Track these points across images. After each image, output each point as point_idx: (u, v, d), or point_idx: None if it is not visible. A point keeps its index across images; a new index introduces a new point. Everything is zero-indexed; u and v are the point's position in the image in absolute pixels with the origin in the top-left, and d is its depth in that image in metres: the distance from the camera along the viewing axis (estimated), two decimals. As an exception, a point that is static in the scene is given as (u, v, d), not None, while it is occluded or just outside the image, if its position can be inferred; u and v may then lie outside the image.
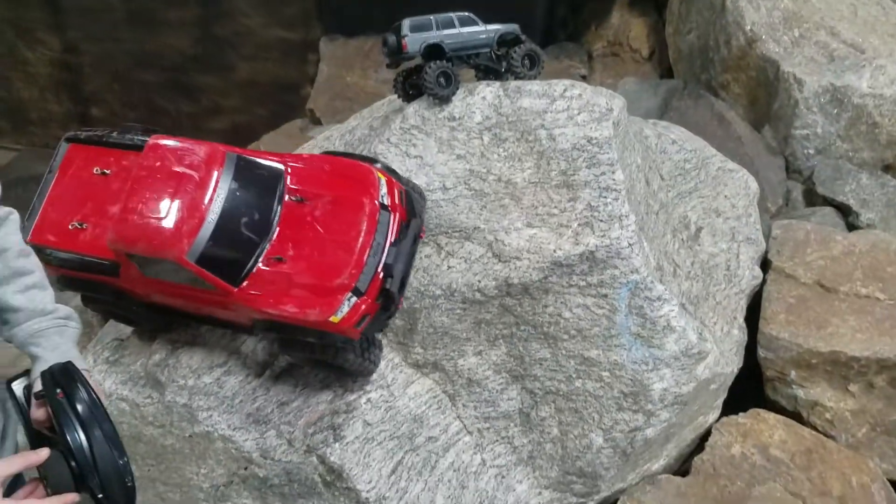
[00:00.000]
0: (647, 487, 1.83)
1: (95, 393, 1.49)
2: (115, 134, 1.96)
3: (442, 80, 2.05)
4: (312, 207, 1.69)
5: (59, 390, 1.49)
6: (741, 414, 2.07)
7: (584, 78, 4.40)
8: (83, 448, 1.44)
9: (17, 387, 1.60)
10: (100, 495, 1.42)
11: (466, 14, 2.13)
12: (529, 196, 1.90)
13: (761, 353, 2.19)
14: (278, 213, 1.67)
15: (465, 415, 1.85)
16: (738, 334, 2.18)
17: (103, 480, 1.43)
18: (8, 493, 1.43)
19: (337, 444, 1.72)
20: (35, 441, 1.54)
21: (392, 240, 1.66)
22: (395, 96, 2.16)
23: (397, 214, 1.68)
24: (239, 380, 1.84)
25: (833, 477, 1.96)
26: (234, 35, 4.86)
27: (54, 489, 1.41)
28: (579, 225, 1.82)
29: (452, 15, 2.11)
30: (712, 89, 3.75)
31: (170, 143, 1.71)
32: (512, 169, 1.93)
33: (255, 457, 1.76)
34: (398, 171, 1.90)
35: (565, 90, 2.02)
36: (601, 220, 1.81)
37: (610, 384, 1.77)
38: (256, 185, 1.68)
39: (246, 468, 1.76)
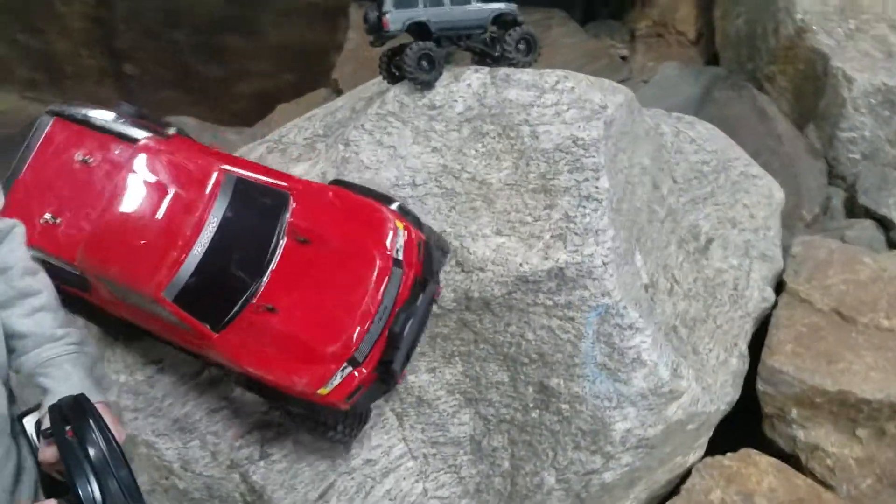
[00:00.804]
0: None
1: (111, 432, 1.31)
2: (104, 116, 1.73)
3: (424, 63, 1.87)
4: (316, 251, 1.47)
5: (68, 428, 1.30)
6: (729, 455, 1.87)
7: (624, 59, 4.14)
8: (93, 498, 1.25)
9: (29, 423, 1.40)
10: None
11: (456, -13, 1.94)
12: (503, 200, 1.71)
13: (760, 386, 1.97)
14: (276, 253, 1.46)
15: (411, 437, 1.69)
16: (737, 364, 1.97)
17: None
18: None
19: (262, 463, 1.58)
20: (46, 485, 1.38)
21: (402, 303, 1.45)
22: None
23: (412, 272, 1.46)
24: (173, 380, 1.71)
25: (826, 534, 1.76)
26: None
27: None
28: (552, 237, 1.63)
29: (439, -11, 1.93)
30: (757, 81, 3.47)
31: (163, 151, 1.52)
32: (488, 168, 1.75)
33: (175, 467, 1.63)
34: (371, 173, 1.72)
35: (557, 82, 1.82)
36: (576, 234, 1.62)
37: (568, 419, 1.58)
38: (255, 214, 1.47)
39: (167, 478, 1.64)
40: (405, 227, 1.48)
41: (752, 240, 2.25)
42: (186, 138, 1.72)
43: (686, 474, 1.82)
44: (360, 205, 1.50)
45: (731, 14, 3.73)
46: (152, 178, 1.47)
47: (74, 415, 1.32)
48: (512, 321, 1.63)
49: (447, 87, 1.87)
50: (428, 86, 1.89)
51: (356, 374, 1.40)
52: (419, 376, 1.68)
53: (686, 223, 2.19)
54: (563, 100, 1.78)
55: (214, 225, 1.42)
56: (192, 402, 1.68)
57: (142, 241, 1.42)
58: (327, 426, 1.54)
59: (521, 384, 1.63)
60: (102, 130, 1.67)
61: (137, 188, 1.47)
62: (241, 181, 1.45)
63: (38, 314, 1.47)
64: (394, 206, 1.54)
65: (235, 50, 5.04)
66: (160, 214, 1.43)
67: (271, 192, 1.48)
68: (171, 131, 1.73)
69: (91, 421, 1.31)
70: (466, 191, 1.74)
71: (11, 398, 1.44)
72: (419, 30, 1.88)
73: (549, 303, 1.60)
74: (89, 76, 5.63)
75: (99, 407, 1.38)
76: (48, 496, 1.29)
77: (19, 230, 1.49)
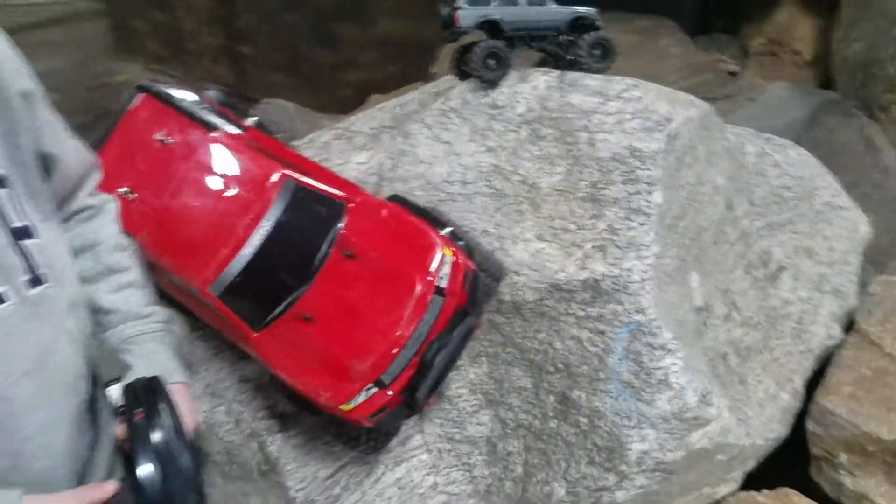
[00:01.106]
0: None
1: (180, 417, 1.31)
2: (189, 98, 1.74)
3: (491, 61, 1.86)
4: (360, 267, 1.45)
5: (139, 410, 1.30)
6: (765, 492, 1.77)
7: (733, 75, 4.00)
8: (155, 483, 1.25)
9: (110, 393, 1.41)
10: None
11: (532, -11, 1.92)
12: (550, 205, 1.68)
13: (810, 426, 1.86)
14: (322, 263, 1.45)
15: (428, 430, 1.68)
16: (789, 400, 1.86)
17: None
18: None
19: (279, 435, 1.61)
20: (117, 458, 1.41)
21: (438, 332, 1.43)
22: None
23: (454, 301, 1.43)
24: (213, 345, 1.76)
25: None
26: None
27: None
28: (593, 247, 1.59)
29: (518, -12, 1.91)
30: (869, 109, 3.28)
31: (232, 146, 1.53)
32: (540, 171, 1.72)
33: (201, 430, 1.69)
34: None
35: (624, 90, 1.77)
36: (617, 246, 1.57)
37: (586, 432, 1.54)
38: (308, 221, 1.47)
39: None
40: (454, 254, 1.44)
41: (827, 273, 2.12)
42: (261, 133, 1.73)
43: None
44: (410, 226, 1.48)
45: (850, 37, 3.54)
46: (217, 173, 1.49)
47: (146, 397, 1.32)
48: (542, 328, 1.60)
49: (512, 88, 1.86)
50: (493, 84, 1.88)
51: (382, 396, 1.40)
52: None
53: (758, 248, 2.09)
54: (627, 109, 1.73)
55: (267, 228, 1.43)
56: (225, 370, 1.73)
57: (196, 235, 1.45)
58: (351, 437, 1.56)
59: (543, 392, 1.60)
60: (184, 113, 1.68)
61: (202, 180, 1.50)
62: (299, 188, 1.45)
63: (126, 290, 1.48)
64: (446, 232, 1.52)
65: (346, 38, 5.15)
66: (217, 210, 1.45)
67: (327, 202, 1.48)
68: (250, 122, 1.74)
69: (160, 405, 1.30)
70: (515, 193, 1.72)
71: (95, 373, 1.45)
72: (491, 28, 1.87)
73: (581, 313, 1.56)
74: (208, 54, 5.87)
75: (177, 389, 1.41)
76: (125, 468, 1.30)
77: (111, 205, 1.52)
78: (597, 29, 1.93)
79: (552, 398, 1.59)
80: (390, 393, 1.40)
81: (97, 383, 1.44)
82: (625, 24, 4.08)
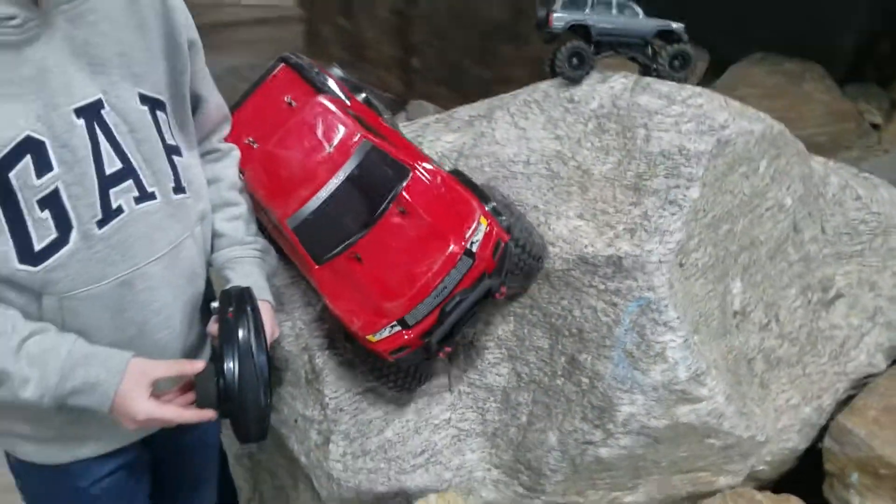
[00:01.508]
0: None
1: (262, 325, 1.51)
2: (314, 70, 1.99)
3: (575, 60, 2.04)
4: (408, 223, 1.62)
5: (230, 309, 1.50)
6: (767, 493, 1.81)
7: (875, 127, 3.90)
8: (233, 372, 1.43)
9: (215, 305, 1.61)
10: (234, 422, 1.46)
11: (626, 1, 2.08)
12: (597, 189, 1.84)
13: (827, 442, 1.89)
14: (381, 215, 1.64)
15: (454, 373, 1.87)
16: (811, 414, 1.90)
17: (241, 410, 1.43)
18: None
19: (327, 352, 1.86)
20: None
21: (461, 289, 1.58)
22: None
23: (482, 265, 1.58)
24: (290, 275, 2.02)
25: None
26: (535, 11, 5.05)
27: (199, 401, 1.45)
28: (624, 229, 1.73)
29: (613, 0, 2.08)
30: None
31: (328, 106, 1.75)
32: (595, 160, 1.88)
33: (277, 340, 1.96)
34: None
35: (689, 97, 1.90)
36: (646, 230, 1.71)
37: (585, 392, 1.67)
38: (376, 179, 1.66)
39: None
40: (489, 224, 1.58)
41: (885, 307, 2.12)
42: (365, 106, 1.95)
43: (707, 494, 1.80)
44: (457, 194, 1.63)
45: None
46: (314, 128, 1.72)
47: (237, 301, 1.51)
48: (566, 296, 1.76)
49: (591, 86, 2.02)
50: (575, 82, 2.05)
51: (403, 335, 1.57)
52: (476, 325, 1.86)
53: (820, 274, 2.13)
54: (687, 112, 1.86)
55: (341, 178, 1.63)
56: (297, 295, 1.99)
57: (286, 176, 1.68)
58: (382, 373, 1.74)
59: (557, 353, 1.75)
60: (309, 81, 1.94)
61: (300, 131, 1.72)
62: (374, 149, 1.64)
63: (236, 221, 1.74)
64: (489, 207, 1.65)
65: (504, 56, 5.43)
66: (306, 158, 1.67)
67: (395, 165, 1.65)
68: (359, 98, 1.97)
69: (248, 310, 1.50)
70: (569, 176, 1.89)
71: (209, 283, 1.73)
72: (582, 32, 2.05)
73: (602, 286, 1.71)
74: (382, 63, 6.35)
75: (262, 304, 1.61)
76: (213, 358, 1.50)
77: (235, 153, 1.81)
78: (681, 41, 2.06)
79: (563, 359, 1.73)
80: (411, 334, 1.57)
81: (210, 288, 1.72)
82: (774, 65, 4.08)
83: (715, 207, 1.81)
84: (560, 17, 2.03)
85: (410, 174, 1.65)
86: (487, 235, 1.57)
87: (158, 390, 1.47)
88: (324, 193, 1.63)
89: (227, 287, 1.59)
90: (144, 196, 1.47)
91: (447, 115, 2.38)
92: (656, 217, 1.73)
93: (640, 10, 2.08)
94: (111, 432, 1.60)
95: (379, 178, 1.65)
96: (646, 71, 2.09)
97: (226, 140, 1.82)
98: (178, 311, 1.58)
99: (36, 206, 1.35)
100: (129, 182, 1.44)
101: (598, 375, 1.66)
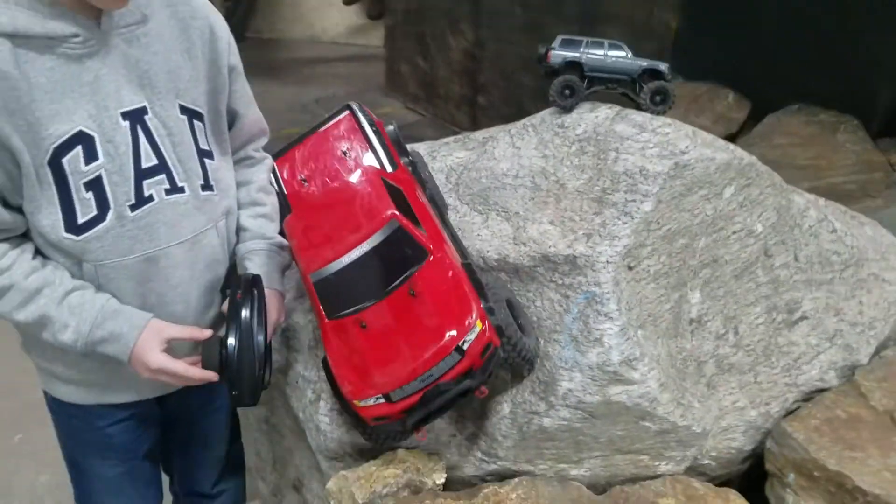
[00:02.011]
0: (552, 482, 1.93)
1: (265, 309, 1.76)
2: (371, 125, 2.13)
3: (567, 91, 2.32)
4: (413, 305, 1.72)
5: (239, 292, 1.73)
6: (706, 483, 2.00)
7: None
8: (234, 346, 1.66)
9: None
10: (230, 387, 1.70)
11: (618, 42, 2.35)
12: (569, 201, 2.10)
13: (768, 443, 2.06)
14: (392, 291, 1.77)
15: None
16: (757, 418, 2.08)
17: (237, 379, 1.67)
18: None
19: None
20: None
21: (446, 380, 1.68)
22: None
23: (468, 363, 1.69)
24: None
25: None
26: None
27: (203, 365, 1.71)
28: (583, 234, 1.99)
29: (605, 41, 2.35)
30: None
31: (372, 177, 1.91)
32: (571, 176, 2.15)
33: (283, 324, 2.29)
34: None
35: (660, 126, 2.16)
36: (600, 235, 1.96)
37: (536, 369, 1.92)
38: (396, 256, 1.77)
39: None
40: (483, 327, 1.69)
41: (846, 331, 2.28)
42: (408, 173, 2.10)
43: (648, 477, 2.00)
44: (461, 292, 1.72)
45: None
46: (354, 197, 1.89)
47: (246, 286, 1.74)
48: (531, 289, 2.02)
49: (580, 114, 2.30)
50: (567, 110, 2.33)
51: (386, 408, 1.72)
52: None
53: (788, 297, 2.31)
54: (654, 140, 2.11)
55: (366, 249, 1.77)
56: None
57: (319, 230, 1.86)
58: (359, 426, 1.91)
59: (513, 337, 2.01)
60: (366, 137, 2.09)
61: (343, 197, 1.91)
62: (401, 229, 1.77)
63: (260, 219, 1.99)
64: (485, 305, 1.75)
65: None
66: (339, 224, 1.84)
67: (416, 247, 1.77)
68: (405, 161, 2.15)
69: (254, 293, 1.74)
70: (548, 189, 2.16)
71: (230, 272, 1.98)
72: (576, 67, 2.33)
73: (560, 281, 1.96)
74: (453, 100, 6.75)
75: (272, 292, 1.91)
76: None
77: (268, 161, 2.09)
78: (663, 78, 2.31)
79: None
80: (393, 409, 1.71)
81: (230, 279, 1.94)
82: (810, 115, 4.24)
83: (670, 222, 2.05)
84: (557, 55, 2.32)
85: (426, 259, 1.74)
86: (480, 336, 1.65)
87: (174, 353, 1.74)
88: (347, 259, 1.75)
89: (240, 274, 1.84)
90: (174, 189, 1.74)
91: (465, 135, 2.68)
92: (611, 225, 1.98)
93: (628, 51, 2.35)
94: (130, 388, 1.94)
95: (399, 255, 1.74)
96: (634, 105, 2.35)
97: (277, 163, 2.13)
98: (194, 289, 1.84)
99: (82, 188, 1.63)
100: (162, 176, 1.72)
101: (547, 356, 1.91)
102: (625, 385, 1.85)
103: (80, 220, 1.65)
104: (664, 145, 2.09)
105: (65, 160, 1.60)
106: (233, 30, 1.89)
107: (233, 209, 1.96)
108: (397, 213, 1.76)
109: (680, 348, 2.07)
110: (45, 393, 2.00)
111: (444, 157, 2.50)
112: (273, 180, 2.09)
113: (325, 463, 2.15)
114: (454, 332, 1.64)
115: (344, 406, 1.79)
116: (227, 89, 1.87)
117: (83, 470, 2.07)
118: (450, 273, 1.73)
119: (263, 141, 2.11)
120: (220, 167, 1.89)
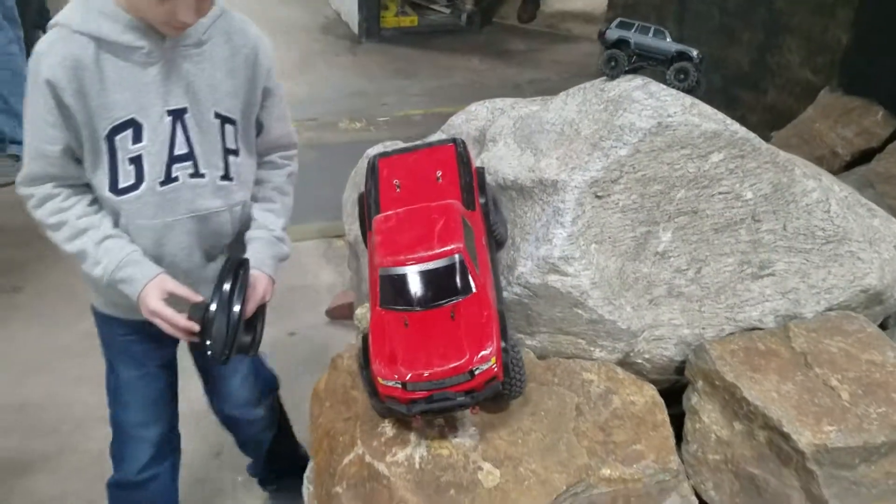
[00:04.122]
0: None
1: (246, 288, 2.09)
2: (468, 163, 2.49)
3: (612, 63, 2.90)
4: (449, 324, 1.99)
5: (227, 270, 2.10)
6: (628, 373, 2.52)
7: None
8: (213, 312, 2.03)
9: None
10: (207, 343, 2.04)
11: (660, 29, 2.89)
12: (577, 144, 2.70)
13: (689, 355, 2.53)
14: (435, 307, 2.01)
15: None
16: (689, 335, 2.55)
17: (213, 339, 2.03)
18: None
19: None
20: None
21: (453, 391, 1.95)
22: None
23: (471, 385, 1.95)
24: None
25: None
26: (777, 65, 5.58)
27: (188, 320, 2.07)
28: (571, 167, 2.59)
29: (652, 27, 2.90)
30: None
31: (453, 213, 2.15)
32: (587, 127, 2.74)
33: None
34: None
35: (665, 95, 2.68)
36: (579, 168, 2.56)
37: (510, 258, 2.58)
38: (449, 282, 2.03)
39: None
40: (493, 363, 1.96)
41: (802, 290, 2.65)
42: (482, 213, 2.46)
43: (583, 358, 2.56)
44: (488, 331, 1.98)
45: None
46: (436, 223, 2.11)
47: (234, 266, 2.12)
48: (527, 204, 2.65)
49: (618, 83, 2.86)
50: (611, 79, 2.91)
51: (399, 392, 1.99)
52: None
53: (764, 257, 2.73)
54: (652, 104, 2.65)
55: (429, 268, 2.02)
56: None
57: (398, 236, 2.08)
58: (372, 395, 2.11)
59: (512, 238, 2.65)
60: (458, 171, 2.44)
61: (428, 219, 2.17)
62: (461, 263, 2.01)
63: (268, 213, 2.34)
64: (503, 346, 2.01)
65: (744, 102, 6.01)
66: (417, 239, 2.10)
67: (466, 282, 2.03)
68: (482, 201, 2.51)
69: (238, 271, 2.11)
70: (568, 134, 2.75)
71: (237, 250, 2.34)
72: (625, 45, 2.91)
73: (544, 199, 2.58)
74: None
75: (260, 275, 2.23)
76: None
77: (289, 167, 2.46)
78: (690, 60, 2.81)
79: (509, 241, 2.65)
80: (404, 396, 1.96)
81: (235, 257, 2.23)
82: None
83: (646, 169, 2.58)
84: (611, 34, 2.91)
85: (471, 294, 2.01)
86: (489, 369, 1.94)
87: (173, 306, 2.07)
88: (412, 269, 2.01)
89: (233, 256, 2.19)
90: (196, 174, 2.13)
91: (548, 98, 3.31)
92: (590, 161, 2.57)
93: (668, 35, 2.87)
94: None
95: (452, 283, 2.01)
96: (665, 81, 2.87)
97: (379, 162, 2.37)
98: (197, 250, 2.24)
99: (126, 161, 2.03)
100: (189, 163, 2.10)
101: (517, 250, 2.56)
102: (560, 275, 2.45)
103: (121, 186, 2.05)
104: (657, 108, 2.62)
105: (117, 138, 1.99)
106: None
107: (246, 198, 2.32)
108: (464, 248, 2.02)
109: (636, 269, 2.60)
110: (92, 305, 2.42)
111: (519, 109, 3.18)
112: (372, 176, 2.35)
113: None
114: (472, 358, 1.91)
115: (366, 376, 2.04)
116: (259, 105, 2.24)
117: (112, 368, 2.47)
118: (486, 312, 1.99)
119: (292, 151, 2.47)
120: (244, 164, 2.26)
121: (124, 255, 2.07)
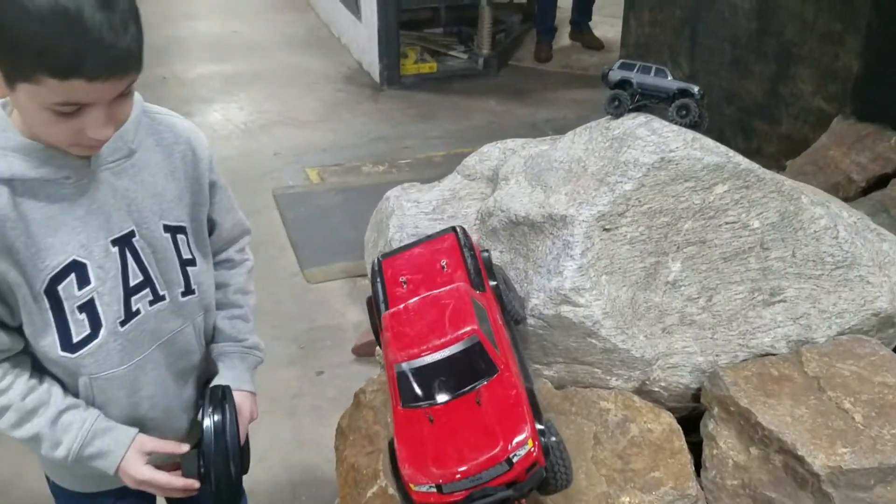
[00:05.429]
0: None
1: (236, 417, 1.96)
2: (472, 252, 2.47)
3: (615, 103, 3.01)
4: (476, 412, 1.84)
5: (210, 409, 1.94)
6: (646, 401, 2.57)
7: None
8: (208, 458, 1.88)
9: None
10: (209, 494, 1.90)
11: (661, 68, 3.00)
12: (584, 180, 2.80)
13: (704, 383, 2.57)
14: (460, 396, 1.86)
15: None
16: (703, 362, 2.60)
17: (215, 489, 1.90)
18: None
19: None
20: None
21: (491, 485, 1.77)
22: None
23: (512, 475, 1.77)
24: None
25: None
26: (790, 95, 5.66)
27: (184, 475, 1.92)
28: (579, 202, 2.69)
29: (653, 66, 3.01)
30: None
31: (463, 296, 2.04)
32: (594, 164, 2.85)
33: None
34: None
35: (666, 132, 2.78)
36: (587, 203, 2.65)
37: (524, 291, 2.66)
38: (470, 367, 1.88)
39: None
40: (532, 447, 1.85)
41: (813, 315, 2.70)
42: (492, 295, 2.39)
43: (592, 386, 2.62)
44: (519, 411, 1.83)
45: None
46: (446, 309, 2.07)
47: (217, 401, 1.98)
48: (539, 237, 2.74)
49: (622, 121, 2.96)
50: (615, 118, 3.02)
51: (435, 496, 1.86)
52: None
53: (774, 283, 2.79)
54: (655, 140, 2.75)
55: (445, 355, 1.88)
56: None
57: (409, 330, 1.97)
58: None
59: (521, 271, 2.74)
60: (463, 257, 2.38)
61: (436, 306, 2.10)
62: (479, 343, 1.88)
63: (235, 320, 2.20)
64: (539, 427, 1.93)
65: (760, 132, 6.09)
66: (428, 329, 2.03)
67: (488, 362, 1.89)
68: (492, 284, 2.46)
69: (226, 406, 1.98)
70: (576, 172, 2.86)
71: (209, 361, 2.21)
72: (627, 84, 3.02)
73: (554, 233, 2.67)
74: (667, 126, 7.28)
75: (243, 395, 2.11)
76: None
77: (248, 264, 2.30)
78: (691, 97, 2.91)
79: (523, 275, 2.73)
80: (441, 499, 1.78)
81: (210, 366, 2.17)
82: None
83: (652, 202, 2.67)
84: (614, 74, 3.03)
85: (496, 375, 1.86)
86: (528, 455, 1.76)
87: (157, 461, 1.90)
88: (428, 359, 1.88)
89: (212, 385, 2.06)
90: (157, 299, 1.90)
91: (557, 137, 3.42)
92: (597, 196, 2.66)
93: (669, 74, 2.98)
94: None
95: (472, 367, 1.87)
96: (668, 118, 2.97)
97: (383, 263, 2.26)
98: (170, 377, 2.05)
99: (76, 310, 1.75)
100: (147, 290, 1.87)
101: (530, 283, 2.65)
102: (572, 306, 2.52)
103: (75, 340, 1.78)
104: (659, 144, 2.72)
105: (60, 287, 1.71)
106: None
107: (212, 307, 2.14)
108: (478, 328, 1.89)
109: (647, 298, 2.67)
110: (47, 477, 2.14)
111: (530, 148, 3.29)
112: (377, 278, 2.25)
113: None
114: (507, 445, 1.75)
115: (398, 484, 1.87)
116: (209, 202, 2.04)
117: None
118: (513, 392, 1.84)
119: (245, 240, 2.29)
120: (202, 271, 2.05)
121: (88, 427, 1.82)
